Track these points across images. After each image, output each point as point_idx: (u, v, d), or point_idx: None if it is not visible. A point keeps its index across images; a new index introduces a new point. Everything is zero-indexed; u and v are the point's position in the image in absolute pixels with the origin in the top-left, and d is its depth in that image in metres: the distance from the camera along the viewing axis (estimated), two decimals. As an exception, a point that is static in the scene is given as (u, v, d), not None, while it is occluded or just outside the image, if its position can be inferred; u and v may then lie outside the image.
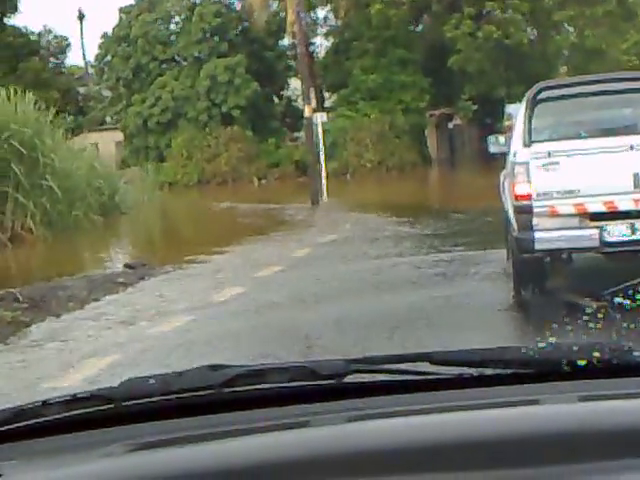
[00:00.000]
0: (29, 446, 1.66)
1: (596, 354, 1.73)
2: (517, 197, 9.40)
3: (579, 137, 9.78)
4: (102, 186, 26.21)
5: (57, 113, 24.68)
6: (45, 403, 1.72)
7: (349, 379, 1.71)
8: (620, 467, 1.32)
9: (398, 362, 1.78)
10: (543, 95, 9.90)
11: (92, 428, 1.69)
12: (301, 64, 29.19)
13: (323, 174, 31.63)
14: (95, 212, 24.93)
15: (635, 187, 9.19)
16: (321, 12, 53.40)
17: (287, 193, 33.70)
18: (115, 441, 1.61)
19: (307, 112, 27.57)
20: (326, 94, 53.46)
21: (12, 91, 23.19)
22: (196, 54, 48.88)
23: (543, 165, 9.30)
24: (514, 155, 9.59)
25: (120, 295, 12.45)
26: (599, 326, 5.92)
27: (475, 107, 46.96)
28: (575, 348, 1.82)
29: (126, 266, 15.11)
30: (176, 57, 49.95)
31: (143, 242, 21.51)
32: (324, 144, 32.84)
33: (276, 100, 52.77)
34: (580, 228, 9.29)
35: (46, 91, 46.89)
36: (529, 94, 9.88)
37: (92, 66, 56.73)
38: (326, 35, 54.14)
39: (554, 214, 9.26)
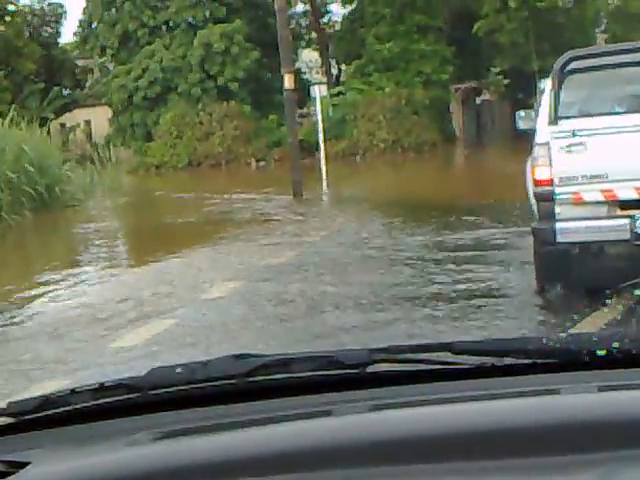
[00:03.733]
0: (57, 434, 1.66)
1: (616, 344, 1.73)
2: (537, 182, 8.65)
3: (611, 113, 8.78)
4: (32, 174, 21.34)
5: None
6: (73, 392, 1.72)
7: (372, 369, 1.71)
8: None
9: (420, 352, 1.77)
10: (573, 65, 8.85)
11: (119, 417, 1.69)
12: (280, 17, 22.84)
13: (322, 157, 27.63)
14: (23, 207, 20.65)
15: None
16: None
17: (280, 178, 28.48)
18: (141, 429, 1.61)
19: (287, 83, 21.73)
20: (343, 67, 49.15)
21: None
22: (190, 20, 43.27)
23: (567, 146, 8.45)
24: (536, 134, 8.76)
25: None
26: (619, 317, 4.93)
27: (506, 81, 42.72)
28: (595, 338, 1.82)
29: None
30: (168, 24, 44.07)
31: (44, 255, 16.28)
32: (323, 121, 28.81)
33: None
34: (609, 218, 8.46)
35: (20, 61, 42.19)
36: (557, 64, 8.80)
37: (74, 34, 51.52)
38: (343, 2, 49.42)
39: (579, 202, 8.49)
